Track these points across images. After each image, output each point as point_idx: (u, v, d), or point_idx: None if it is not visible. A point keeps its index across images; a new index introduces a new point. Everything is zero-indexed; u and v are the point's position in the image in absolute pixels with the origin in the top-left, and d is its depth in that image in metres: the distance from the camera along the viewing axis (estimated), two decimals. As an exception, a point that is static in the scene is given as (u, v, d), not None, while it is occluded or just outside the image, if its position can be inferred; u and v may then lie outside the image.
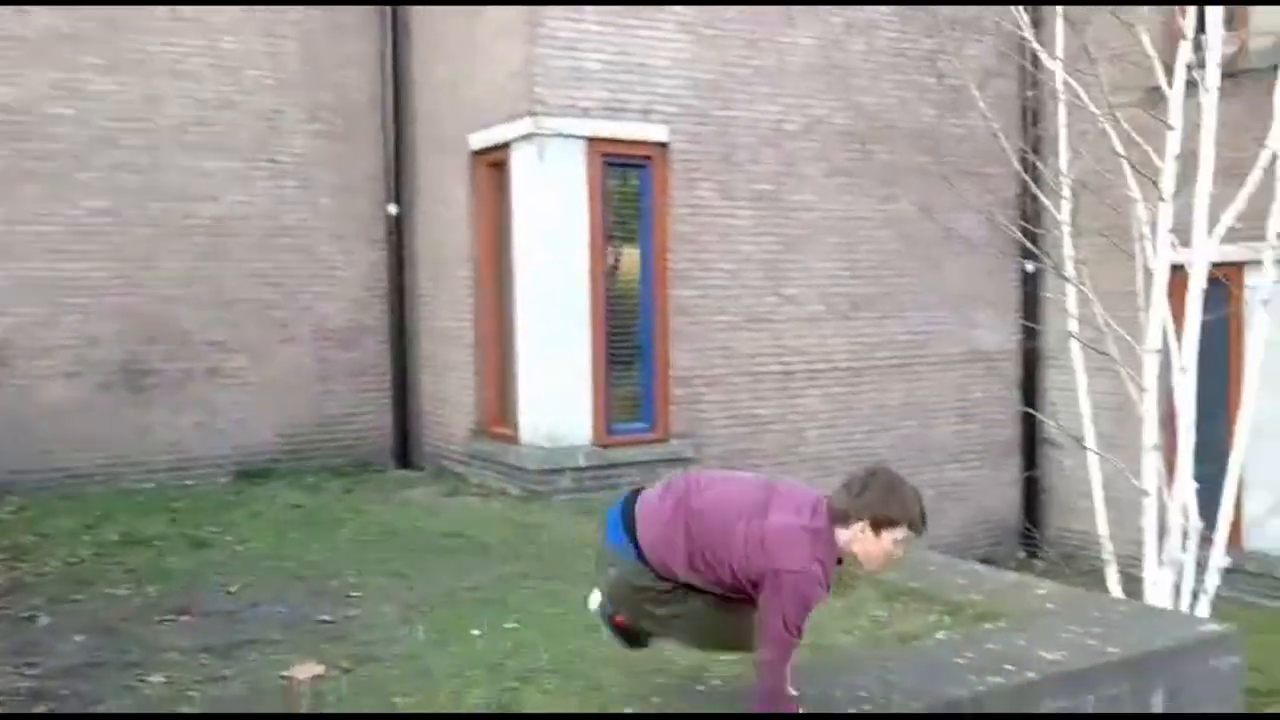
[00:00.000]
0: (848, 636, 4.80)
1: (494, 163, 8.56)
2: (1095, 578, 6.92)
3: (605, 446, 8.08)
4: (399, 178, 9.56)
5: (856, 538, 3.45)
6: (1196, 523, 6.21)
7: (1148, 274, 6.43)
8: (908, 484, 3.52)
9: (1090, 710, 4.16)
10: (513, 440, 8.30)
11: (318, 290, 9.45)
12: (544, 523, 7.14)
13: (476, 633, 4.92)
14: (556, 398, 8.00)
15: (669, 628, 3.78)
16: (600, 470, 7.97)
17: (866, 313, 9.31)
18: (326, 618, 5.18)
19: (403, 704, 4.13)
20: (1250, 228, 6.44)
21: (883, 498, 3.44)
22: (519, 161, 8.12)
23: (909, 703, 3.86)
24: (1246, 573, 7.90)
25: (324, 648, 4.70)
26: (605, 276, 8.20)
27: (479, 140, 8.62)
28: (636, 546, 3.62)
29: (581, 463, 7.91)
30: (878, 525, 3.43)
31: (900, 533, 3.44)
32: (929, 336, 9.62)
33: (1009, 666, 4.17)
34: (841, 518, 3.46)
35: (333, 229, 9.47)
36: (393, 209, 9.57)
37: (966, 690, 3.99)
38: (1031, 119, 9.36)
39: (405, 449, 9.64)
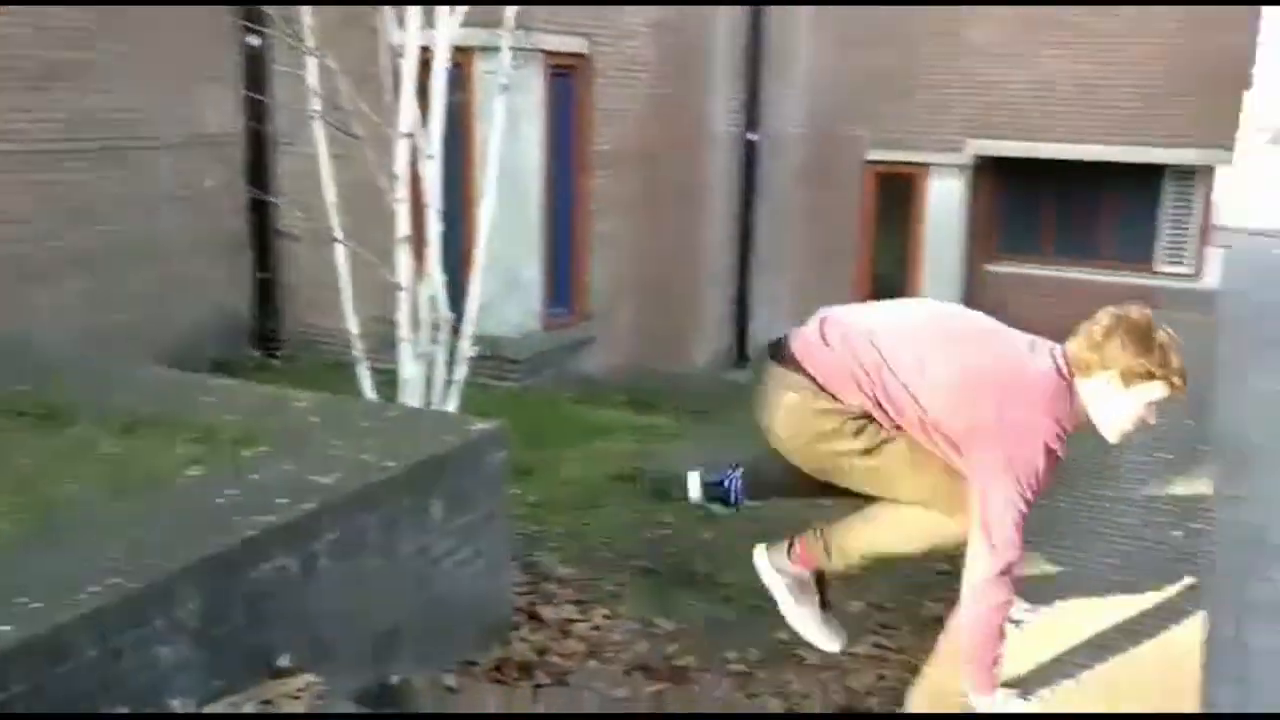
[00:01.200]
0: (75, 486, 3.84)
1: None
2: (337, 375, 6.60)
3: None
4: None
5: (1100, 393, 2.73)
6: (447, 314, 6.12)
7: (393, 51, 5.96)
8: (1165, 329, 2.80)
9: (370, 536, 3.79)
10: None
11: None
12: None
13: None
14: None
15: (854, 471, 3.06)
16: None
17: (64, 83, 7.73)
18: None
19: None
20: (486, 13, 6.25)
21: (1139, 343, 2.73)
22: None
23: (166, 564, 3.14)
24: (480, 357, 8.14)
25: None
26: None
27: None
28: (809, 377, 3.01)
29: None
30: (1128, 378, 2.72)
31: (1158, 390, 2.73)
32: (142, 116, 8.32)
33: (281, 500, 3.61)
34: (1082, 366, 2.75)
35: None
36: None
37: (235, 537, 3.36)
38: None
39: None
